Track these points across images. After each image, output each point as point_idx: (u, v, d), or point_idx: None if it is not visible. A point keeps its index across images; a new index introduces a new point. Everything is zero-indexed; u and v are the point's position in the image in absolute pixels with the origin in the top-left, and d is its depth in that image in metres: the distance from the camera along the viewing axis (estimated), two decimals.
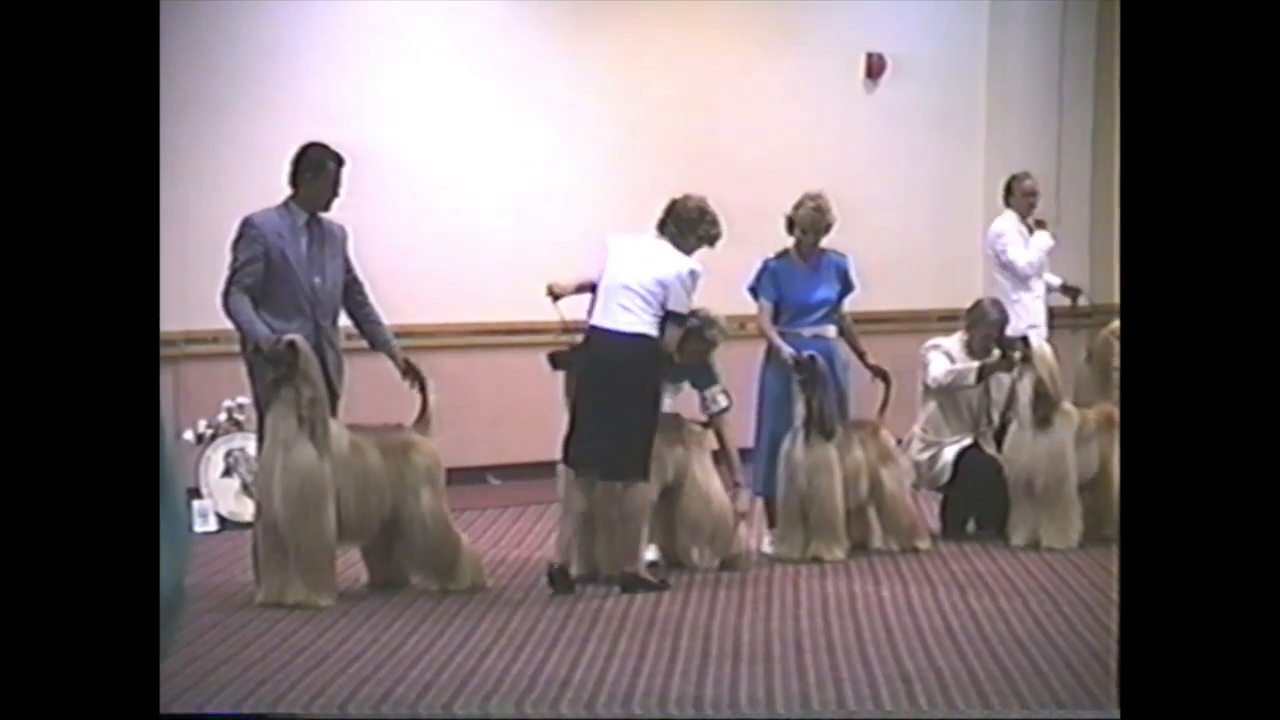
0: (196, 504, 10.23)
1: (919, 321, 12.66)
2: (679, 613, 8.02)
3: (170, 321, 9.59)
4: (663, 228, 8.78)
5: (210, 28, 11.02)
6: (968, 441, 10.16)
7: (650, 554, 8.97)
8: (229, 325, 8.52)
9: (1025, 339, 10.14)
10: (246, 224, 8.42)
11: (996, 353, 10.13)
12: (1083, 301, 12.14)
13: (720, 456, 9.25)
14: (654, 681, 6.74)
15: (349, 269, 8.65)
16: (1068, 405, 9.94)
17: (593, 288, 8.89)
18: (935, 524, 10.24)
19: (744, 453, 9.63)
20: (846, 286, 9.71)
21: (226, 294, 8.34)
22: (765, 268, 9.57)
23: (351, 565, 8.72)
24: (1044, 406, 9.79)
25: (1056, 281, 12.13)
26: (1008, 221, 11.63)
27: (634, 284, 8.55)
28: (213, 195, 10.63)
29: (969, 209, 12.29)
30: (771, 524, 9.59)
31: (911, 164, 13.56)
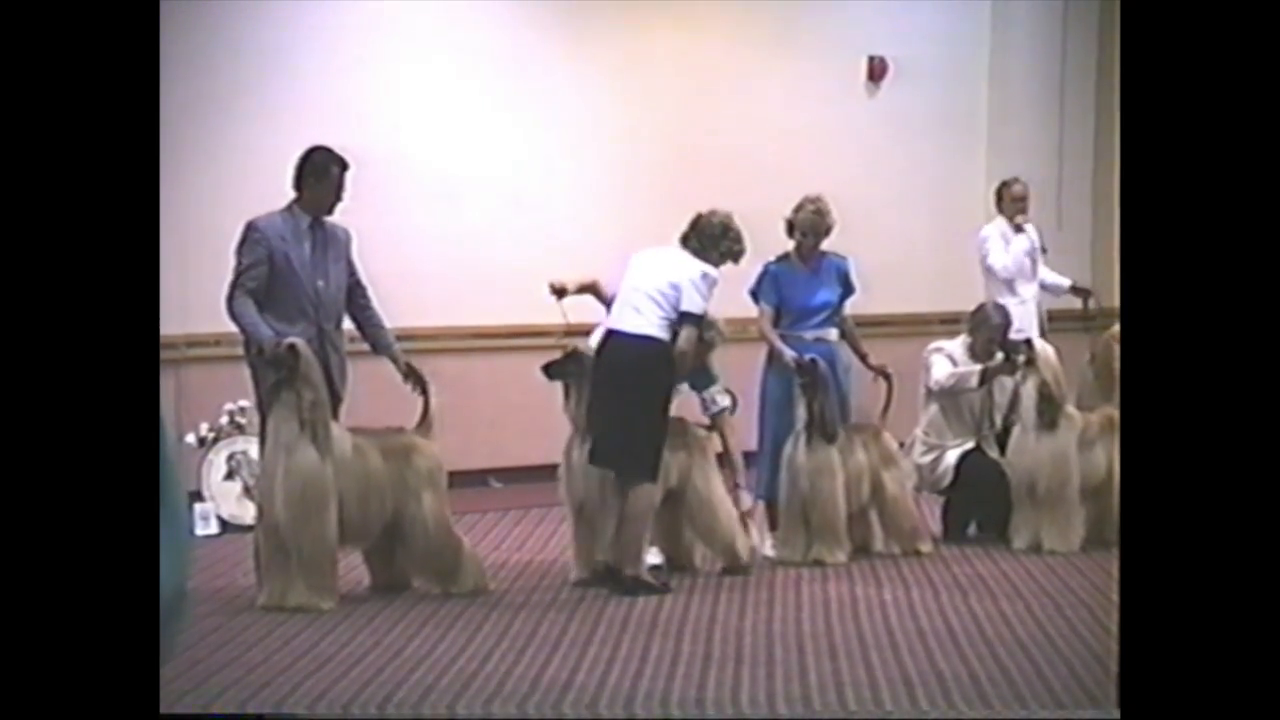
0: (198, 507, 10.23)
1: (920, 325, 12.66)
2: (681, 615, 8.02)
3: (171, 325, 9.60)
4: (685, 241, 8.82)
5: (210, 31, 11.02)
6: (970, 445, 10.15)
7: (653, 557, 8.97)
8: (230, 329, 8.52)
9: (1029, 342, 10.15)
10: (250, 228, 8.42)
11: (1000, 356, 10.13)
12: (1092, 304, 12.15)
13: (723, 459, 9.25)
14: (656, 684, 6.74)
15: (352, 272, 8.66)
16: (1071, 409, 9.94)
17: (596, 289, 8.92)
18: (937, 527, 10.24)
19: (747, 456, 9.64)
20: (847, 289, 9.72)
21: (230, 297, 8.34)
22: (766, 271, 9.58)
23: (353, 568, 8.72)
24: (1047, 410, 9.79)
25: (1066, 283, 12.14)
26: (993, 226, 11.73)
27: (648, 287, 8.59)
28: (213, 198, 10.64)
29: (970, 212, 12.28)
30: (773, 527, 9.59)
31: (913, 167, 13.56)
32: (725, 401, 9.20)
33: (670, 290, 8.56)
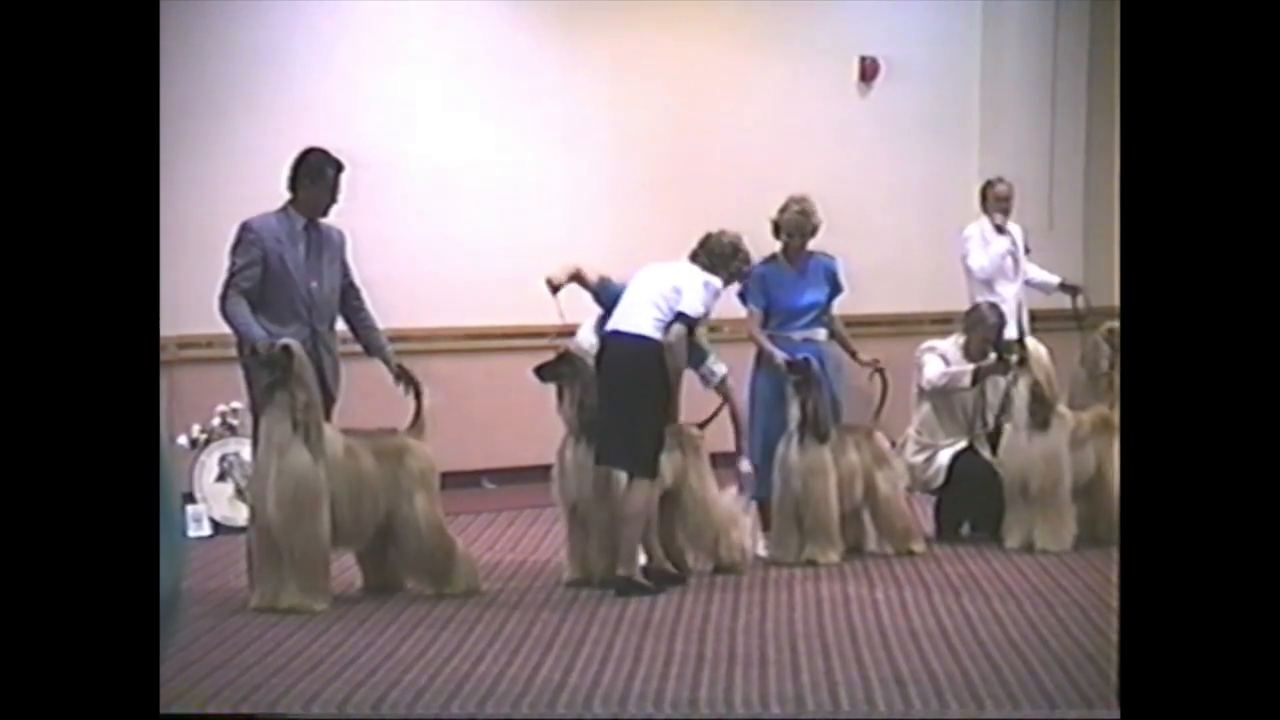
0: (190, 509, 10.22)
1: (912, 324, 12.68)
2: (674, 615, 8.02)
3: (163, 326, 9.53)
4: (695, 258, 8.90)
5: (205, 31, 11.02)
6: (962, 444, 10.16)
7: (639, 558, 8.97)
8: (222, 330, 8.51)
9: (1021, 341, 10.16)
10: (244, 229, 8.42)
11: (992, 355, 10.15)
12: (1080, 303, 12.18)
13: (735, 427, 9.26)
14: (649, 684, 6.74)
15: (346, 274, 8.67)
16: (1063, 408, 9.95)
17: (580, 276, 8.96)
18: (929, 527, 10.25)
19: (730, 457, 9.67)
20: (835, 289, 9.72)
21: (224, 297, 8.34)
22: (753, 273, 9.57)
23: (346, 569, 8.72)
24: (1039, 409, 9.80)
25: (1054, 280, 12.18)
26: (975, 226, 11.80)
27: (650, 292, 8.66)
28: (207, 199, 10.64)
29: (962, 212, 12.28)
30: (766, 527, 9.60)
31: (905, 167, 13.57)
32: (722, 370, 9.21)
33: (673, 294, 8.61)
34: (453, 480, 9.72)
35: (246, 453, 9.73)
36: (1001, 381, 10.12)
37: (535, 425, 9.76)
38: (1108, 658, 6.72)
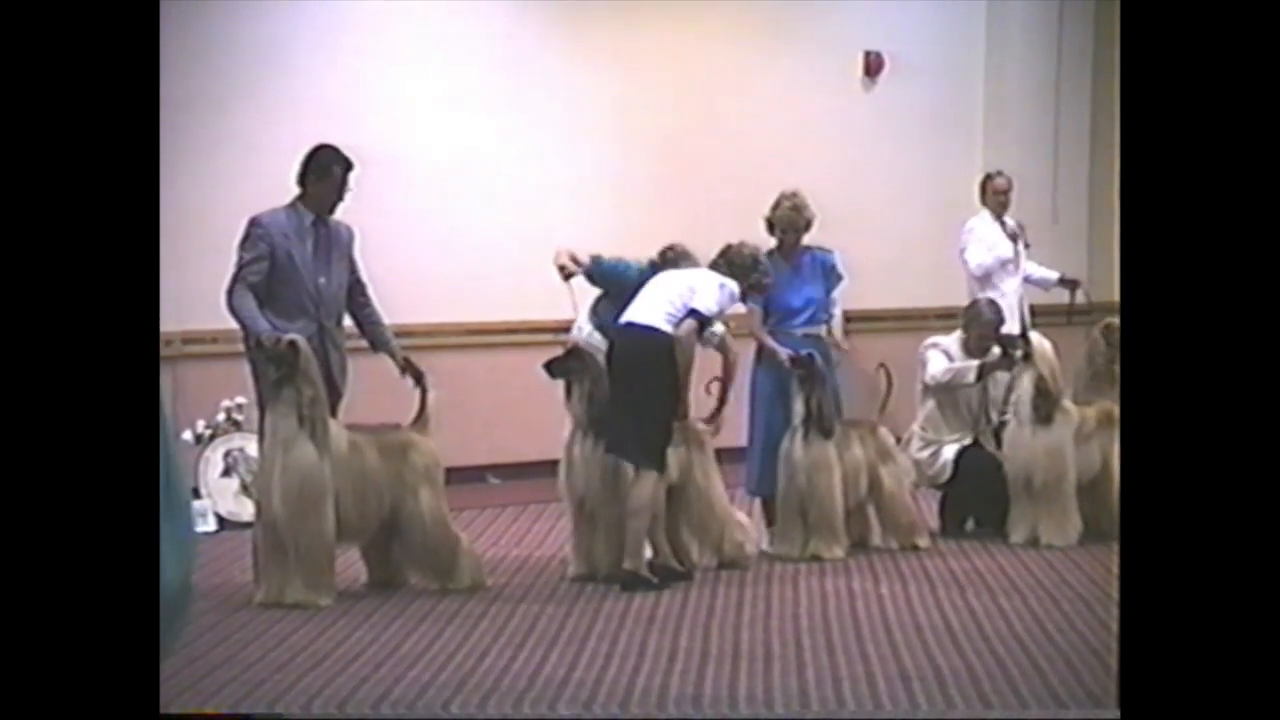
0: (195, 504, 10.21)
1: (916, 320, 12.67)
2: (678, 611, 8.02)
3: (168, 321, 9.54)
4: (715, 267, 8.96)
5: (208, 27, 11.02)
6: (968, 440, 10.16)
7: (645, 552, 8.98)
8: (227, 325, 8.52)
9: (1025, 337, 10.16)
10: (253, 224, 8.43)
11: (996, 351, 10.15)
12: (1080, 298, 12.18)
13: (726, 375, 9.36)
14: (653, 680, 6.73)
15: (354, 270, 8.68)
16: (1067, 403, 9.94)
17: (575, 257, 8.99)
18: (934, 522, 10.25)
19: (738, 452, 9.66)
20: (835, 281, 9.70)
21: (231, 291, 8.35)
22: None
23: (351, 565, 8.72)
24: (1043, 404, 9.79)
25: (1054, 276, 12.18)
26: (976, 220, 11.83)
27: (667, 290, 8.71)
28: (210, 195, 10.64)
29: (966, 207, 12.27)
30: (770, 522, 9.60)
31: (909, 162, 13.57)
32: (720, 329, 9.24)
33: (688, 292, 8.66)
34: (457, 475, 9.73)
35: (251, 448, 9.74)
36: (1005, 376, 10.12)
37: (539, 420, 9.77)
38: (1112, 653, 6.71)
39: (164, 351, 10.16)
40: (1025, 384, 9.88)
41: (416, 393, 8.68)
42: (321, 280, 8.46)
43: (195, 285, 9.40)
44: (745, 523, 9.30)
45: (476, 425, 11.52)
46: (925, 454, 10.17)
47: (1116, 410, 9.88)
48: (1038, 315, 12.02)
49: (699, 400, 9.24)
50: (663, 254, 9.09)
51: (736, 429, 9.63)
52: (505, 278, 11.66)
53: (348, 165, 8.48)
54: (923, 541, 9.67)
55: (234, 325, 8.43)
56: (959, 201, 12.60)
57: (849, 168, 13.09)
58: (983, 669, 6.85)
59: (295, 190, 8.54)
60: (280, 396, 8.09)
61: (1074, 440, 9.83)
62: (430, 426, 8.68)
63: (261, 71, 11.32)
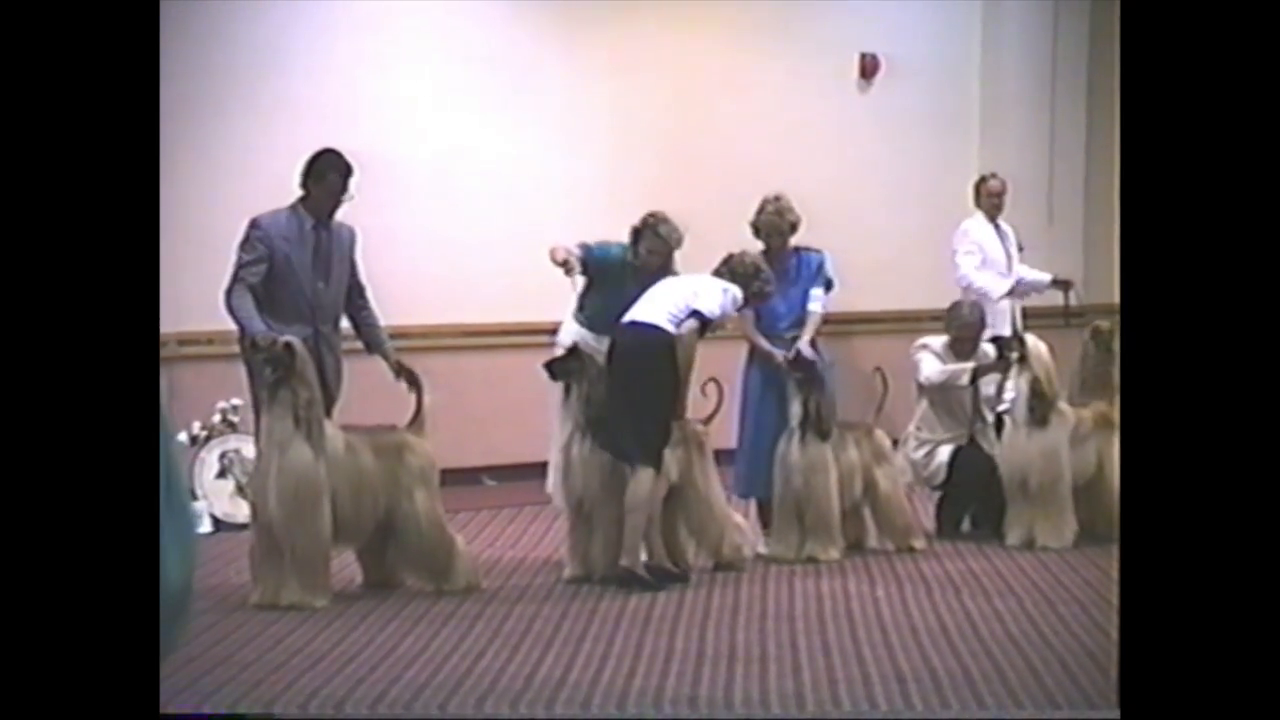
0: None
1: (911, 321, 12.66)
2: (674, 612, 8.02)
3: (163, 323, 9.50)
4: (718, 275, 9.01)
5: (206, 28, 11.01)
6: (963, 439, 10.17)
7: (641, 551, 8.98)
8: (223, 327, 8.52)
9: (1021, 338, 10.17)
10: (253, 226, 8.43)
11: (991, 351, 10.17)
12: (1074, 300, 12.18)
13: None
14: (649, 681, 6.74)
15: (354, 272, 8.68)
16: (1063, 405, 9.95)
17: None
18: (930, 523, 10.25)
19: (728, 454, 9.66)
20: (825, 284, 9.69)
21: (229, 291, 8.35)
22: None
23: (346, 566, 8.71)
24: (1039, 406, 9.80)
25: (1046, 279, 12.17)
26: (970, 222, 11.82)
27: (670, 291, 8.78)
28: (207, 196, 10.63)
29: (962, 209, 12.27)
30: (765, 524, 9.60)
31: (905, 164, 13.56)
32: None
33: (691, 295, 8.72)
34: (452, 477, 9.72)
35: (247, 449, 9.74)
36: (997, 376, 10.16)
37: (535, 422, 9.76)
38: (1108, 655, 6.71)
39: (160, 353, 10.16)
40: (1021, 385, 9.89)
41: (412, 395, 8.68)
42: (320, 285, 8.46)
43: (191, 287, 9.39)
44: (743, 525, 9.31)
45: (472, 426, 11.52)
46: (920, 454, 10.18)
47: (1113, 412, 9.89)
48: (1034, 317, 12.02)
49: (695, 401, 9.23)
50: (644, 220, 9.14)
51: (727, 431, 9.63)
52: (501, 279, 11.66)
53: (346, 171, 8.46)
54: (918, 543, 9.67)
55: (230, 327, 8.42)
56: (954, 203, 12.59)
57: (844, 169, 13.10)
58: (978, 671, 6.86)
59: (294, 192, 8.53)
60: (276, 398, 8.09)
61: (1070, 442, 9.84)
62: (426, 428, 8.68)
63: (259, 73, 11.31)
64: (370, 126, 11.33)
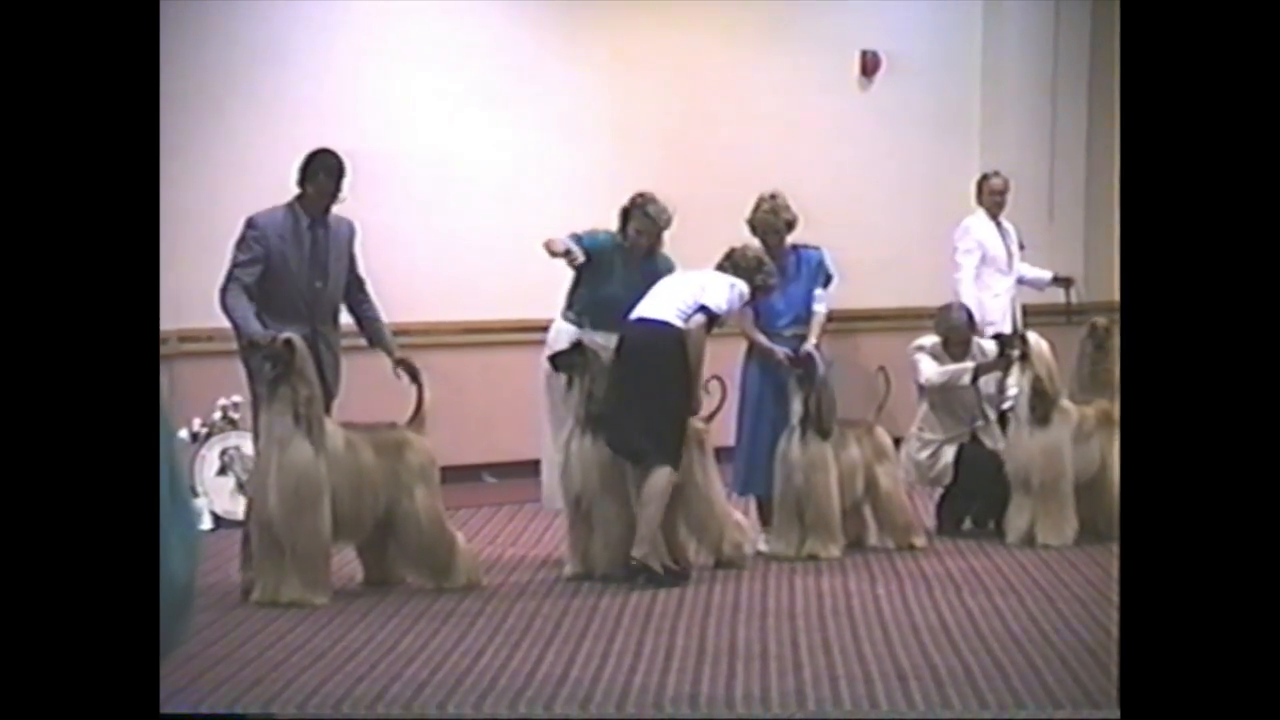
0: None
1: (913, 319, 12.64)
2: (675, 610, 8.01)
3: (164, 320, 9.54)
4: (720, 269, 9.06)
5: (205, 27, 11.00)
6: (965, 438, 10.17)
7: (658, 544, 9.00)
8: (223, 324, 8.51)
9: (1023, 336, 10.17)
10: (249, 225, 8.40)
11: (992, 349, 10.17)
12: (1074, 297, 12.19)
13: None
14: (650, 679, 6.73)
15: (353, 267, 8.66)
16: (1066, 402, 9.95)
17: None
18: (931, 521, 10.25)
19: (727, 451, 9.66)
20: (824, 278, 9.68)
21: (224, 290, 8.33)
22: None
23: (346, 564, 8.71)
24: (1041, 405, 9.79)
25: (1047, 276, 12.19)
26: (972, 219, 11.85)
27: (676, 287, 8.82)
28: (207, 194, 10.62)
29: (962, 206, 12.28)
30: (765, 522, 9.60)
31: (905, 161, 13.56)
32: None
33: (698, 289, 8.76)
34: (453, 474, 9.72)
35: (247, 446, 9.73)
36: (997, 374, 10.17)
37: (535, 419, 9.75)
38: (1109, 653, 6.71)
39: (160, 350, 10.15)
40: (1023, 384, 9.89)
41: (413, 391, 8.67)
42: (318, 284, 8.43)
43: (192, 283, 9.38)
44: (743, 523, 9.31)
45: (472, 424, 11.52)
46: (924, 455, 10.18)
47: (1115, 410, 9.89)
48: (1035, 315, 12.03)
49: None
50: (632, 200, 9.15)
51: (726, 428, 9.62)
52: (501, 277, 11.66)
53: (337, 172, 8.39)
54: (919, 541, 9.67)
55: (228, 321, 8.41)
56: (955, 200, 12.60)
57: (845, 167, 13.09)
58: (979, 668, 6.85)
59: (293, 190, 8.52)
60: (276, 395, 8.08)
61: (1074, 440, 9.84)
62: (426, 425, 8.67)
63: (258, 70, 11.30)
64: (370, 124, 11.32)
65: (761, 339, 9.52)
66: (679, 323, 8.65)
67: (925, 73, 13.66)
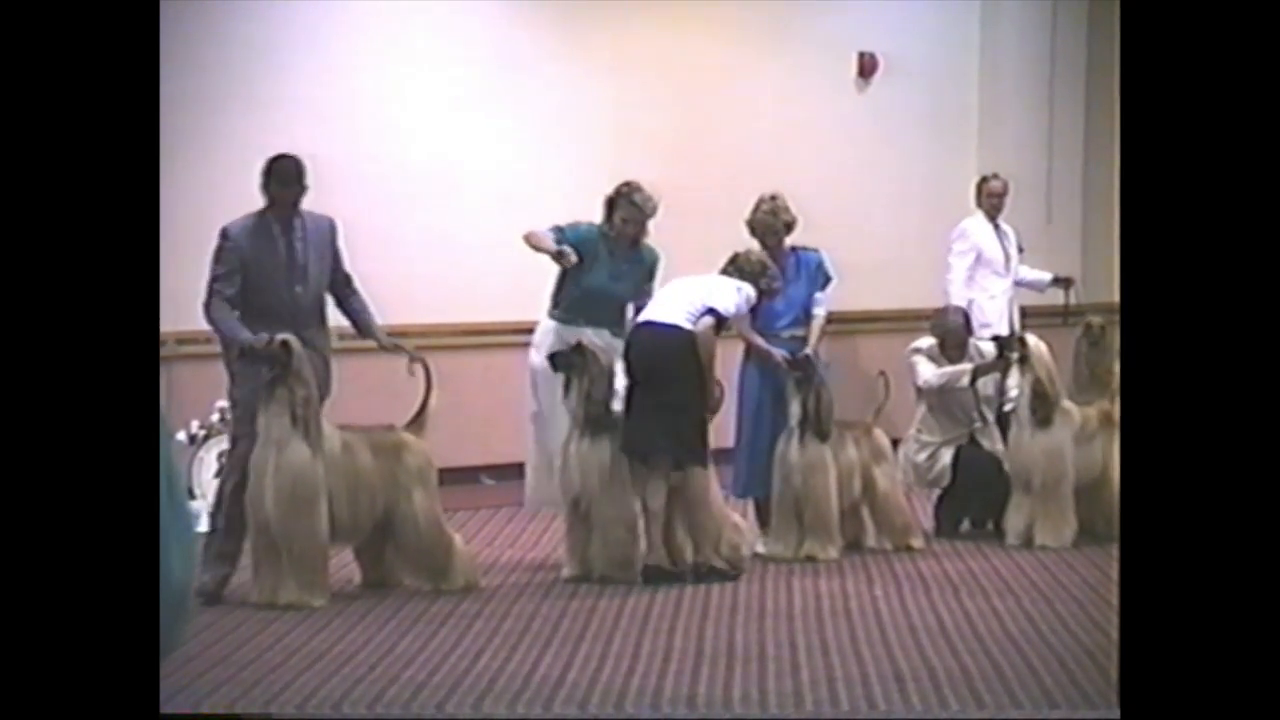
0: (191, 504, 10.20)
1: (911, 321, 12.64)
2: (672, 612, 8.01)
3: (162, 322, 9.52)
4: (725, 274, 9.08)
5: (203, 26, 11.00)
6: (964, 440, 10.17)
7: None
8: None
9: (1022, 338, 10.17)
10: (223, 236, 8.37)
11: (989, 351, 10.18)
12: (1074, 298, 12.20)
13: None
14: (648, 680, 6.73)
15: (338, 264, 8.61)
16: (1067, 404, 9.95)
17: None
18: (929, 523, 10.25)
19: (725, 454, 9.66)
20: (823, 280, 9.69)
21: (208, 304, 8.33)
22: None
23: (344, 566, 8.71)
24: (1041, 406, 9.79)
25: (1046, 278, 12.20)
26: (970, 221, 11.86)
27: (683, 290, 8.85)
28: (205, 195, 10.60)
29: (961, 208, 12.28)
30: (763, 524, 9.60)
31: (903, 163, 13.56)
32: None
33: (705, 293, 8.81)
34: (451, 476, 9.71)
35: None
36: (996, 376, 10.18)
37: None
38: (1107, 655, 6.71)
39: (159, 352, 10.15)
40: (1024, 386, 9.89)
41: (414, 392, 8.65)
42: (298, 289, 8.38)
43: (190, 285, 9.35)
44: (741, 524, 9.30)
45: (470, 426, 11.50)
46: (922, 457, 10.18)
47: (1114, 410, 9.89)
48: (1034, 316, 12.03)
49: None
50: (617, 190, 9.16)
51: (724, 431, 9.62)
52: (499, 278, 11.64)
53: (293, 175, 8.31)
54: (917, 543, 9.67)
55: (215, 334, 8.41)
56: (954, 202, 12.61)
57: (843, 168, 13.09)
58: (977, 670, 6.85)
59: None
60: (273, 396, 8.07)
61: (1075, 441, 9.83)
62: (425, 427, 8.67)
63: (256, 71, 11.30)
64: (370, 125, 11.32)
65: (759, 341, 9.52)
66: (688, 325, 8.65)
67: (923, 74, 13.66)
